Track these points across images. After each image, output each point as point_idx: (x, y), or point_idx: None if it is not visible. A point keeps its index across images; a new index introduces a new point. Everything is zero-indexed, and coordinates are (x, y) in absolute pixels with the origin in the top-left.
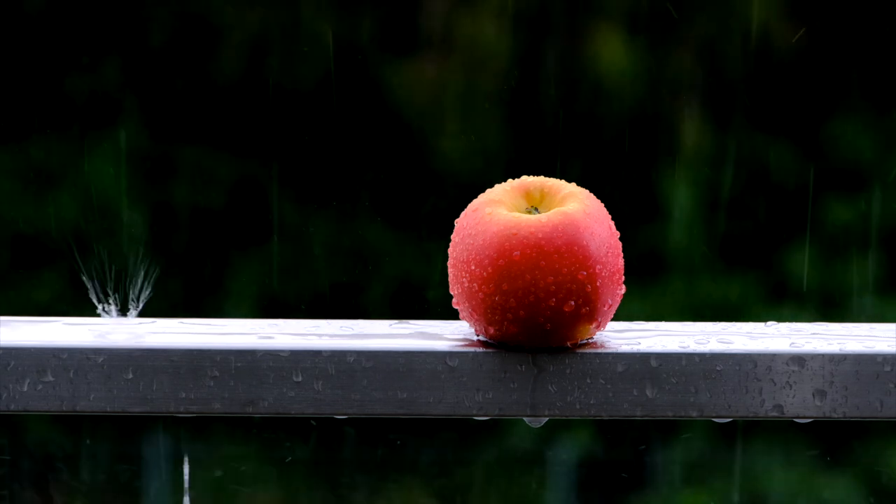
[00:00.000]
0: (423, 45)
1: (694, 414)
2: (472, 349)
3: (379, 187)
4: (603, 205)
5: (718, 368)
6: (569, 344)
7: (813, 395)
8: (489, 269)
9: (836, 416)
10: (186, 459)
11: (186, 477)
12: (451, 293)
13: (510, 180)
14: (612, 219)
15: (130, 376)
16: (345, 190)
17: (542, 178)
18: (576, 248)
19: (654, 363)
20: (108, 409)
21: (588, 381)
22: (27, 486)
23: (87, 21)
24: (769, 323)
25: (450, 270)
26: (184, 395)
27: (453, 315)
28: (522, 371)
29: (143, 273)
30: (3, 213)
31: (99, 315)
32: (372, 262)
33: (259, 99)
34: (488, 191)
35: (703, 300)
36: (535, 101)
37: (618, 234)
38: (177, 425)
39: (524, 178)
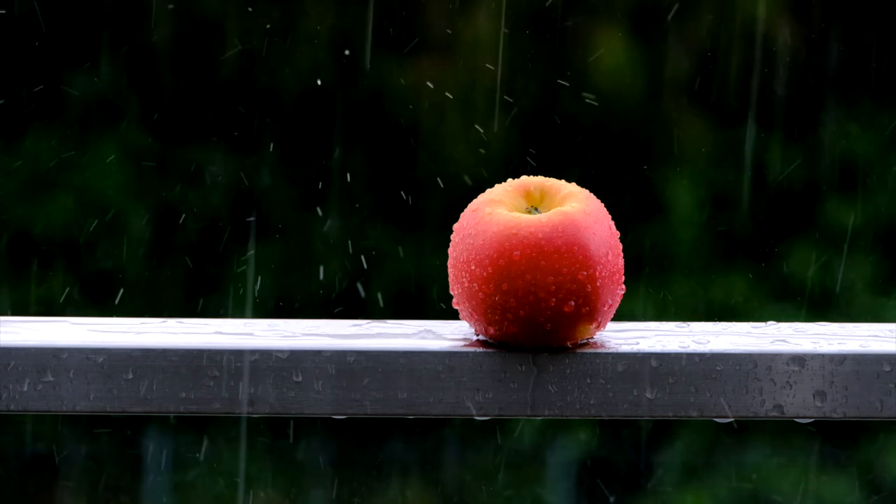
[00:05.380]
0: (423, 45)
1: (694, 414)
2: (472, 349)
3: (379, 187)
4: (603, 205)
5: (718, 368)
6: (569, 344)
7: (813, 395)
8: (489, 269)
9: (836, 416)
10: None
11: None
12: (451, 293)
13: (510, 180)
14: (612, 219)
15: (130, 376)
16: (345, 190)
17: (541, 177)
18: (576, 248)
19: (654, 363)
20: (108, 409)
21: (588, 381)
22: (27, 486)
23: (87, 20)
24: (769, 323)
25: (450, 270)
26: (184, 395)
27: (453, 315)
28: (522, 371)
29: (143, 273)
30: (3, 212)
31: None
32: (372, 262)
33: (260, 99)
34: (488, 191)
35: (703, 300)
36: (535, 101)
37: (618, 234)
38: (177, 425)
39: (524, 177)
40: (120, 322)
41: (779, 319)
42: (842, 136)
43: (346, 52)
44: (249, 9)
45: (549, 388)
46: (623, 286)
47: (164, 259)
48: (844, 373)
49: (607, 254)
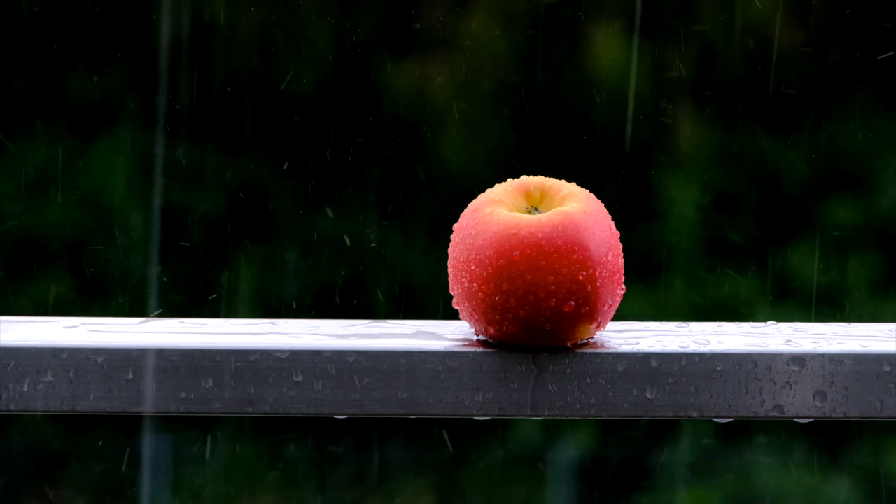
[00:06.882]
0: (423, 45)
1: (694, 414)
2: (472, 349)
3: (379, 187)
4: (603, 205)
5: (718, 368)
6: (569, 344)
7: (813, 395)
8: (489, 269)
9: (836, 416)
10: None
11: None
12: (452, 293)
13: (510, 180)
14: (612, 219)
15: (130, 376)
16: (345, 190)
17: (541, 177)
18: (576, 248)
19: (654, 363)
20: (108, 409)
21: (588, 381)
22: (27, 486)
23: (89, 21)
24: (769, 323)
25: (450, 270)
26: (184, 395)
27: (453, 315)
28: (522, 371)
29: (142, 273)
30: (4, 213)
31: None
32: (372, 262)
33: (259, 99)
34: (488, 191)
35: (703, 300)
36: (535, 101)
37: (618, 234)
38: (177, 425)
39: (524, 177)
40: (120, 322)
41: (779, 319)
42: (842, 135)
43: (347, 52)
44: (250, 8)
45: (549, 388)
46: (623, 286)
47: (165, 259)
48: (844, 373)
49: (607, 254)
